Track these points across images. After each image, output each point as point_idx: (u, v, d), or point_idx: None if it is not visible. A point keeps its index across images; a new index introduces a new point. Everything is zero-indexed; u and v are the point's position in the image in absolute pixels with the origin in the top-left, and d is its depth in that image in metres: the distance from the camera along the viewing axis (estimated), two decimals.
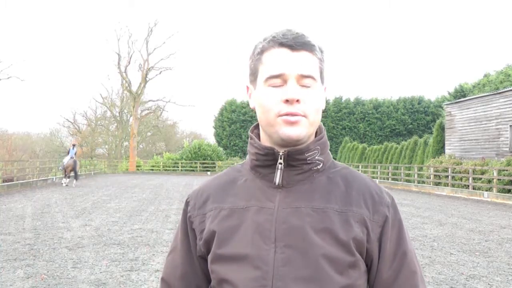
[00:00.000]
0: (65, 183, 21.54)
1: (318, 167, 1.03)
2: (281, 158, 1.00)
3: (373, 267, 1.00)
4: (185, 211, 1.11)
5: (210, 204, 1.05)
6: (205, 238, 1.02)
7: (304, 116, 0.96)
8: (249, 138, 1.07)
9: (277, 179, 1.00)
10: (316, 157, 1.02)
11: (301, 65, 0.97)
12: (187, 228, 1.08)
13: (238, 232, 0.98)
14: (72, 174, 21.34)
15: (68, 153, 21.82)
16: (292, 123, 0.96)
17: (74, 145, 22.72)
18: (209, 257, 1.02)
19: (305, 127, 0.97)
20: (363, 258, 0.98)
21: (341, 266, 0.94)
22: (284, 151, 0.99)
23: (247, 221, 0.99)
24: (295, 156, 0.99)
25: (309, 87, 0.97)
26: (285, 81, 0.97)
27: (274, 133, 0.98)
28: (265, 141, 1.04)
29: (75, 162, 21.12)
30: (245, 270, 0.95)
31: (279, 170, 1.00)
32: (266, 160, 1.02)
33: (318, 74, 1.00)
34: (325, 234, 0.95)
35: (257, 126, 1.08)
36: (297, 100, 0.95)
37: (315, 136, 1.05)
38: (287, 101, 0.95)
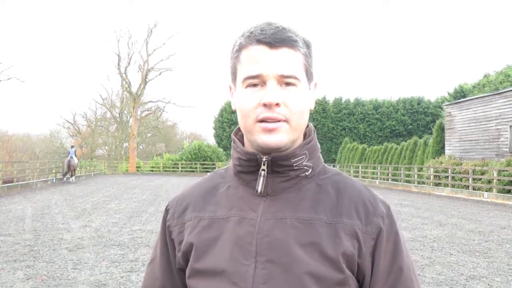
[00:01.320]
0: (71, 180, 24.80)
1: (307, 173, 0.94)
2: (264, 165, 0.92)
3: (365, 284, 0.91)
4: (164, 219, 1.03)
5: (190, 213, 0.98)
6: (183, 250, 0.96)
7: (285, 120, 0.88)
8: (232, 142, 0.99)
9: (259, 187, 0.92)
10: (304, 163, 0.93)
11: (282, 64, 0.87)
12: (166, 238, 1.02)
13: (216, 245, 0.91)
14: (73, 172, 24.91)
15: (69, 153, 25.38)
16: (270, 131, 0.88)
17: (72, 146, 26.41)
18: (187, 272, 0.95)
19: (286, 134, 0.89)
20: (354, 274, 0.89)
21: (328, 285, 0.85)
22: (268, 157, 0.91)
23: (226, 233, 0.92)
24: (280, 162, 0.91)
25: (291, 88, 0.89)
26: (264, 83, 0.88)
27: (253, 140, 0.91)
28: (248, 146, 0.96)
29: (68, 161, 24.48)
30: (222, 287, 0.88)
31: (261, 178, 0.92)
32: (249, 166, 0.94)
33: (303, 72, 0.91)
34: (311, 249, 0.86)
35: (240, 128, 0.98)
36: (277, 104, 0.87)
37: (304, 139, 0.96)
38: (265, 105, 0.87)
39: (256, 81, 0.89)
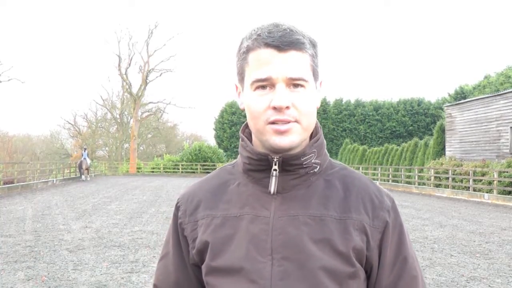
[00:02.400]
0: (84, 178, 27.50)
1: (315, 170, 0.97)
2: (275, 165, 0.94)
3: (372, 274, 0.96)
4: (175, 216, 1.05)
5: (202, 211, 1.00)
6: (198, 248, 0.98)
7: (296, 122, 0.90)
8: (240, 140, 1.01)
9: (272, 187, 0.94)
10: (313, 161, 0.96)
11: (290, 67, 0.89)
12: (179, 234, 1.03)
13: (232, 243, 0.94)
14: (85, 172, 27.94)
15: (82, 155, 28.32)
16: (282, 132, 0.89)
17: (85, 149, 29.09)
18: (203, 269, 0.98)
19: (297, 134, 0.91)
20: (362, 266, 0.94)
21: (341, 278, 0.90)
22: (279, 157, 0.93)
23: (241, 230, 0.94)
24: (290, 162, 0.94)
25: (300, 89, 0.90)
26: (273, 85, 0.89)
27: (265, 141, 0.92)
28: (257, 143, 0.97)
29: (81, 162, 27.56)
30: (240, 284, 0.91)
31: (274, 178, 0.94)
32: (259, 165, 0.96)
33: (310, 73, 0.92)
34: (323, 245, 0.90)
35: (248, 125, 1.00)
36: (287, 107, 0.88)
37: (311, 137, 0.99)
38: (275, 108, 0.88)
39: (265, 83, 0.90)
